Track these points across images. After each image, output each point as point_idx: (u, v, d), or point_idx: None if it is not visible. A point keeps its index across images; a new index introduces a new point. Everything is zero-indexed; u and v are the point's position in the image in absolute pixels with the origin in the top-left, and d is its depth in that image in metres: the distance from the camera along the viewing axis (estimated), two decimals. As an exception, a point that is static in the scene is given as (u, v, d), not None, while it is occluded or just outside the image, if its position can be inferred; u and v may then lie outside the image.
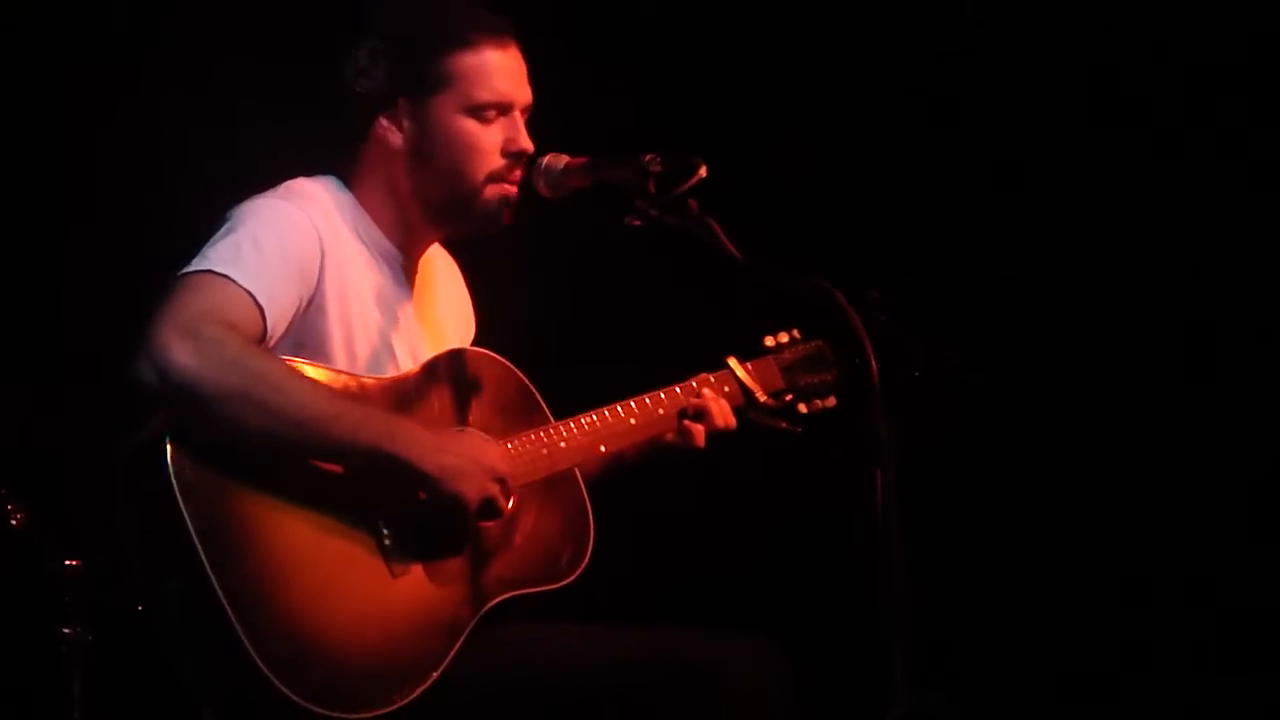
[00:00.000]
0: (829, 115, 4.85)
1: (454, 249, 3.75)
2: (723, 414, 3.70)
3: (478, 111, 3.46)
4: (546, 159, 3.48)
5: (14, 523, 3.93)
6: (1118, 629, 4.75)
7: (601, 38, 4.78)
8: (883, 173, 4.82)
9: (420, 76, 3.45)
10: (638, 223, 3.31)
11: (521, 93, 3.51)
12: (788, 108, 4.87)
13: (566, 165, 3.47)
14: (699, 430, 3.67)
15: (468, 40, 3.46)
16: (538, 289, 4.68)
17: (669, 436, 3.69)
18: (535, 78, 3.55)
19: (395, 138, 3.48)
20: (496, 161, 3.48)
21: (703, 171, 3.25)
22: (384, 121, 3.48)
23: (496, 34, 3.48)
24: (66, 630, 3.92)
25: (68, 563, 3.92)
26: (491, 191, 3.49)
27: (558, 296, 4.79)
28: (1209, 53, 4.66)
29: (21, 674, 4.18)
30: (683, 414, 3.68)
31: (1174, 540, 4.71)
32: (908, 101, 4.84)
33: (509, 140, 3.48)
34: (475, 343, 3.72)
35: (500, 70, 3.48)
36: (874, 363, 2.98)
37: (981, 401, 4.43)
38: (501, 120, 3.48)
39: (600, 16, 4.77)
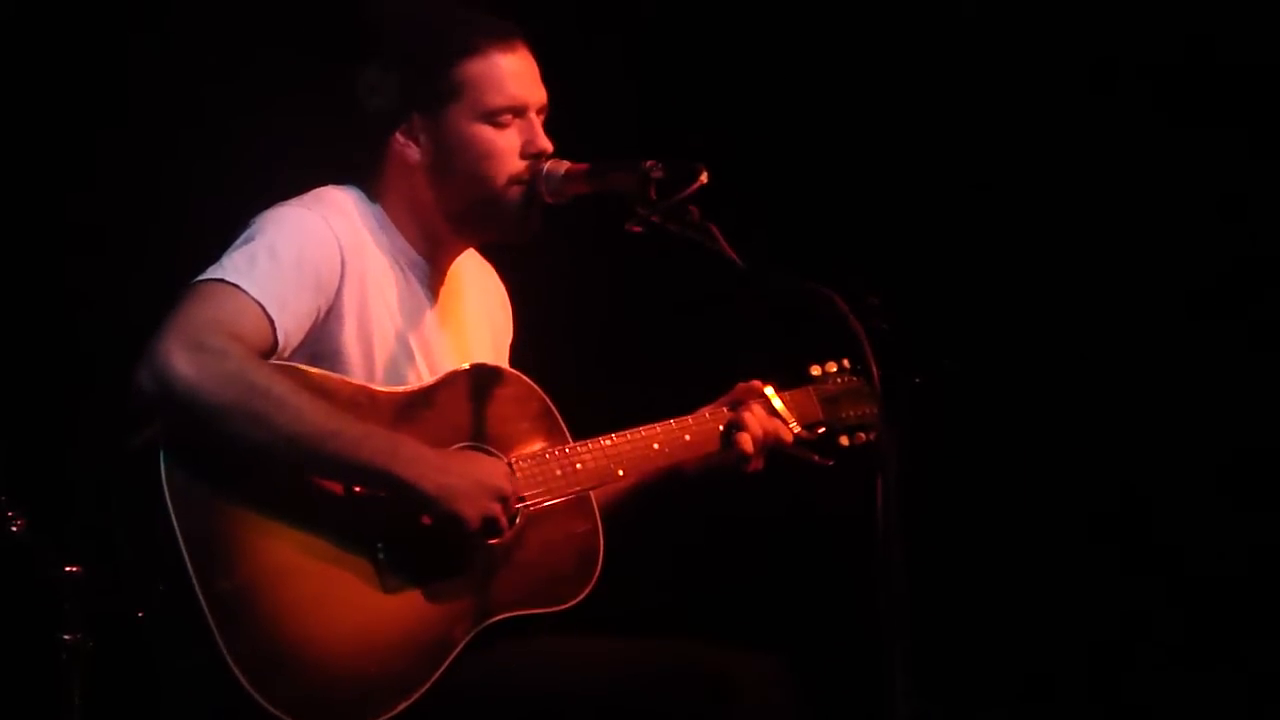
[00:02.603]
0: (829, 120, 4.84)
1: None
2: (762, 425, 3.62)
3: (492, 117, 3.44)
4: (547, 165, 3.46)
5: (14, 529, 3.92)
6: (1120, 635, 4.75)
7: (603, 39, 4.78)
8: (882, 178, 4.82)
9: (431, 90, 3.43)
10: (638, 229, 3.30)
11: (534, 93, 3.48)
12: (787, 113, 4.86)
13: (567, 171, 3.45)
14: (745, 439, 3.59)
15: (474, 48, 3.44)
16: (572, 306, 4.64)
17: (716, 454, 3.63)
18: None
19: (412, 153, 3.46)
20: (517, 164, 3.46)
21: (704, 177, 3.25)
22: (400, 138, 3.46)
23: (502, 38, 3.46)
24: (67, 637, 3.90)
25: (68, 569, 3.90)
26: (515, 194, 3.46)
27: (594, 317, 4.76)
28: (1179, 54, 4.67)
29: (22, 680, 4.17)
30: (731, 426, 3.62)
31: (1177, 544, 4.70)
32: (909, 105, 4.84)
33: (527, 142, 3.46)
34: (514, 348, 3.70)
35: (510, 74, 3.45)
36: (874, 369, 2.97)
37: (962, 393, 4.39)
38: (517, 123, 3.46)
39: (602, 18, 4.76)
